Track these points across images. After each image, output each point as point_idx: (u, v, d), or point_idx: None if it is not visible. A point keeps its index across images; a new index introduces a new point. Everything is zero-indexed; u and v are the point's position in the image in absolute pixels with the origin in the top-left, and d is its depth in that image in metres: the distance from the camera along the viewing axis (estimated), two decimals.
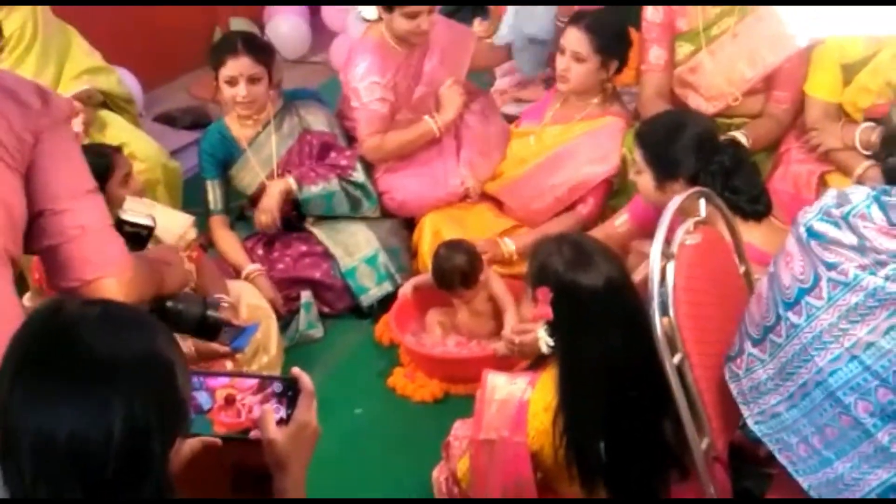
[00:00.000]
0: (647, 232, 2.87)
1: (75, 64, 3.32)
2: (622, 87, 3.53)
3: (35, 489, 1.10)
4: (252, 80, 3.26)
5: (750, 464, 2.45)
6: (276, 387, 1.39)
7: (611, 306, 2.02)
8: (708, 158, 2.53)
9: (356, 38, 3.68)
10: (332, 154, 3.46)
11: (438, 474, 2.46)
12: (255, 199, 3.45)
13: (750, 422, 1.82)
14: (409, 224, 3.54)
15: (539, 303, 2.08)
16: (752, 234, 2.44)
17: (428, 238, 3.39)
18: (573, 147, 3.33)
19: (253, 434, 1.37)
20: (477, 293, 3.09)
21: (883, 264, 1.67)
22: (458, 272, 3.03)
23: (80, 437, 1.10)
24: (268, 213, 3.33)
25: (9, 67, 3.15)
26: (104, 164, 2.52)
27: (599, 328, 2.02)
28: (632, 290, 2.11)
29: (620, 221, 3.05)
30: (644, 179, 2.67)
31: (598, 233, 3.02)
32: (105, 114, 3.40)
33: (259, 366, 2.85)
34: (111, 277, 1.70)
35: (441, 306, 3.22)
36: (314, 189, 3.38)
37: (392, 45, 3.44)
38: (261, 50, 3.31)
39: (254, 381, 1.40)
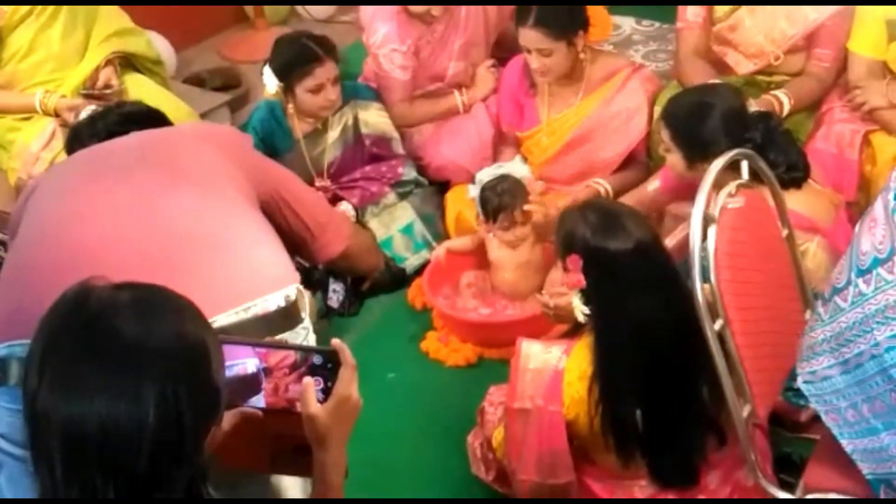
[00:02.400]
0: (679, 197, 2.83)
1: (104, 27, 3.28)
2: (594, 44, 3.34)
3: (66, 482, 1.08)
4: (335, 81, 3.20)
5: (790, 429, 2.43)
6: (316, 359, 1.36)
7: (642, 269, 2.00)
8: (738, 136, 2.46)
9: None
10: (383, 167, 3.39)
11: (473, 440, 2.46)
12: None
13: (799, 380, 1.78)
14: (443, 189, 3.50)
15: (570, 271, 2.05)
16: (792, 199, 2.38)
17: (453, 214, 3.37)
18: (595, 120, 3.25)
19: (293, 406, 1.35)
20: (516, 227, 3.01)
21: None
22: (506, 194, 2.99)
23: (112, 425, 1.07)
24: None
25: (36, 31, 3.14)
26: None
27: (632, 292, 1.99)
28: (663, 252, 2.09)
29: (653, 187, 3.00)
30: (674, 158, 2.63)
31: (630, 198, 2.98)
32: (135, 76, 3.37)
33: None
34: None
35: (474, 269, 3.19)
36: (374, 210, 3.34)
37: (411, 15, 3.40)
38: (334, 48, 3.23)
39: (291, 357, 1.37)
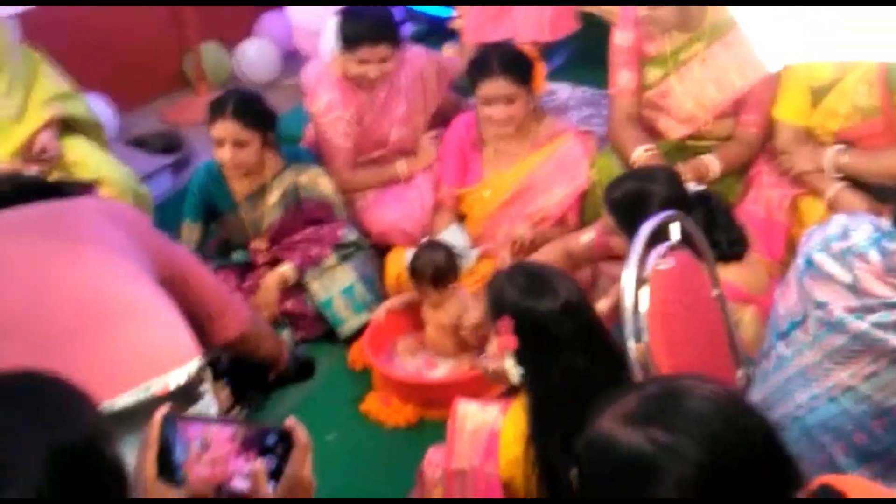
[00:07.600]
0: (610, 253, 2.87)
1: (43, 90, 3.29)
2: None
3: None
4: (238, 143, 3.18)
5: None
6: (270, 439, 1.32)
7: (571, 327, 2.02)
8: None
9: (326, 63, 3.67)
10: (323, 230, 3.39)
11: None
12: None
13: None
14: (384, 252, 3.52)
15: (502, 334, 2.06)
16: (730, 271, 2.45)
17: (393, 275, 3.41)
18: (538, 175, 3.34)
19: (238, 486, 1.31)
20: (445, 299, 3.09)
21: (872, 310, 1.66)
22: (431, 266, 3.05)
23: None
24: (268, 307, 3.26)
25: None
26: None
27: (563, 350, 2.01)
28: (590, 309, 2.12)
29: (586, 239, 3.05)
30: (620, 242, 2.63)
31: (559, 244, 3.04)
32: (74, 139, 3.36)
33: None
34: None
35: (412, 332, 3.23)
36: (315, 273, 3.33)
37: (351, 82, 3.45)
38: (253, 115, 3.20)
39: (233, 431, 1.32)
